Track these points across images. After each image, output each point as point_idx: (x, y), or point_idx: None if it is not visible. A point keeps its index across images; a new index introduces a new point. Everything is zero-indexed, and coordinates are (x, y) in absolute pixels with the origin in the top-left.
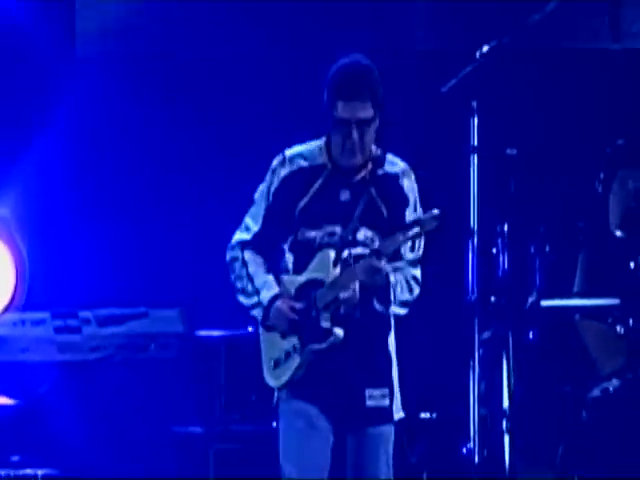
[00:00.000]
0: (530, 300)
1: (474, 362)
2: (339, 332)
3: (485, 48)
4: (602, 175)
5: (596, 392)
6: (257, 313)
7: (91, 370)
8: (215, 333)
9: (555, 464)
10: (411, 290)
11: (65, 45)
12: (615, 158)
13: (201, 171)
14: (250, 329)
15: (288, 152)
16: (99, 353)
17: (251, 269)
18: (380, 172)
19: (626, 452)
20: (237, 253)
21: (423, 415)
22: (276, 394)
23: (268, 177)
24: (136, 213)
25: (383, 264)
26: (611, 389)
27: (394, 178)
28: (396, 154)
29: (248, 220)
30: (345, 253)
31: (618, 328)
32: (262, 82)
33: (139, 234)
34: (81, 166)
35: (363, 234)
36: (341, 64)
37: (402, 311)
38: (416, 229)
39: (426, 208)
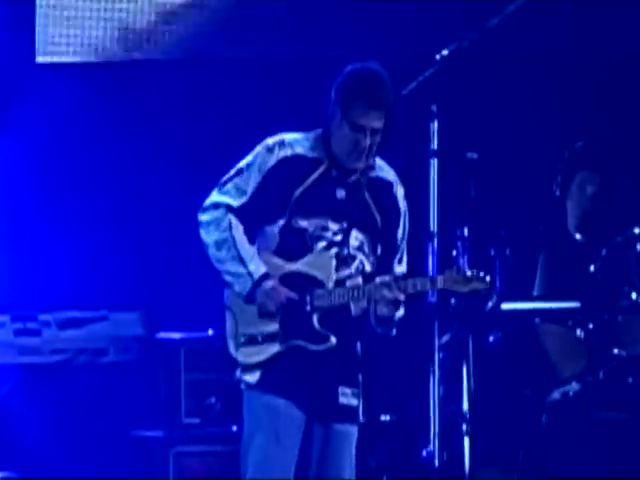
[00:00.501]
0: (490, 303)
1: (434, 365)
2: (333, 340)
3: (445, 51)
4: (560, 178)
5: (556, 395)
6: (240, 284)
7: (51, 373)
8: (175, 335)
9: (515, 467)
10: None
11: (25, 51)
12: (573, 161)
13: (160, 174)
14: (210, 332)
15: (287, 136)
16: (59, 356)
17: (237, 235)
18: (372, 174)
19: (586, 455)
20: (221, 214)
21: (383, 418)
22: (239, 372)
23: (262, 153)
24: (96, 216)
25: (401, 297)
26: (571, 392)
27: (389, 186)
28: None
29: (232, 186)
30: (337, 251)
31: (578, 331)
32: (228, 84)
33: (99, 237)
34: (40, 170)
35: (355, 236)
36: (364, 69)
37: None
38: (439, 285)
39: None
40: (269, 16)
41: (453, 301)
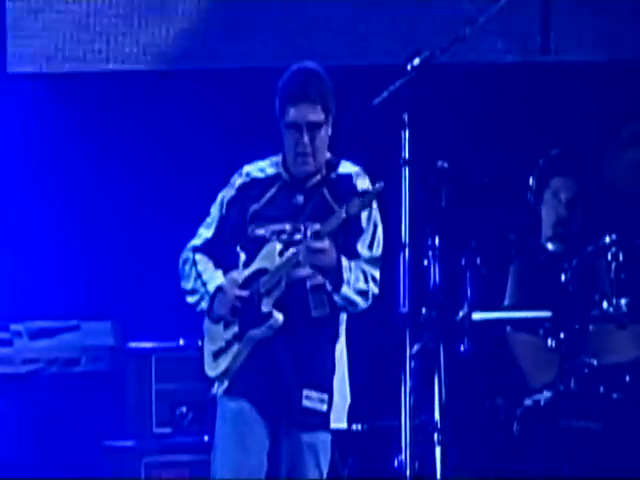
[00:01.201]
0: (461, 313)
1: (405, 374)
2: (278, 316)
3: (416, 61)
4: (534, 185)
5: (527, 404)
6: (204, 305)
7: (23, 383)
8: (146, 345)
9: (486, 476)
10: (367, 281)
11: None
12: (548, 168)
13: (130, 184)
14: (182, 341)
15: (246, 167)
16: (31, 366)
17: (200, 267)
18: (333, 175)
19: (557, 464)
20: (188, 255)
21: (354, 427)
22: (216, 387)
23: (225, 189)
24: (66, 226)
25: (326, 244)
26: (542, 401)
27: (347, 178)
28: None
29: (201, 229)
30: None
31: (549, 341)
32: (195, 100)
33: (70, 246)
34: (9, 180)
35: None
36: (290, 70)
37: (358, 299)
38: (356, 203)
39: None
40: (263, 27)
41: (424, 311)
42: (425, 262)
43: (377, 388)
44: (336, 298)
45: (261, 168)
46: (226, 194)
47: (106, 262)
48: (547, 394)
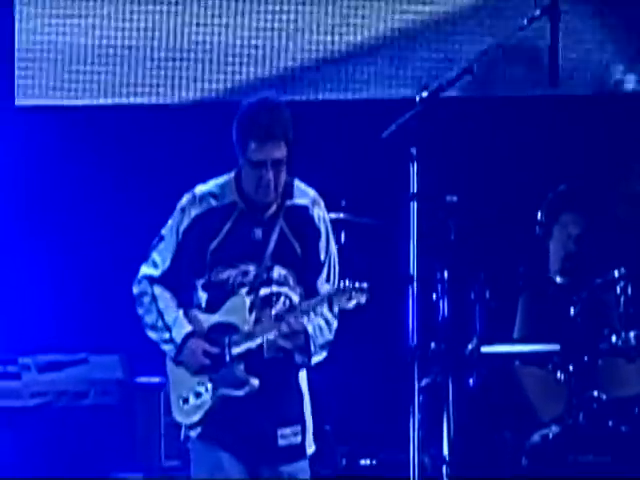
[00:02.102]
0: (470, 346)
1: (414, 408)
2: (254, 382)
3: (424, 94)
4: (543, 219)
5: (536, 438)
6: (168, 349)
7: (31, 416)
8: (154, 380)
9: None
10: (330, 329)
11: (3, 94)
12: (557, 203)
13: (136, 218)
14: None
15: (198, 190)
16: (39, 399)
17: (161, 305)
18: (289, 203)
19: None
20: (146, 288)
21: (363, 462)
22: (184, 430)
23: (177, 215)
24: (76, 260)
25: (297, 325)
26: (551, 435)
27: (304, 210)
28: (336, 200)
29: (156, 256)
30: (261, 292)
31: (558, 374)
32: (201, 130)
33: (79, 281)
34: (17, 213)
35: (277, 272)
36: (251, 103)
37: (323, 355)
38: (325, 301)
39: (372, 257)
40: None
41: (433, 344)
42: (434, 296)
43: (386, 422)
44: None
45: (215, 193)
46: (181, 222)
47: (114, 296)
48: (555, 428)
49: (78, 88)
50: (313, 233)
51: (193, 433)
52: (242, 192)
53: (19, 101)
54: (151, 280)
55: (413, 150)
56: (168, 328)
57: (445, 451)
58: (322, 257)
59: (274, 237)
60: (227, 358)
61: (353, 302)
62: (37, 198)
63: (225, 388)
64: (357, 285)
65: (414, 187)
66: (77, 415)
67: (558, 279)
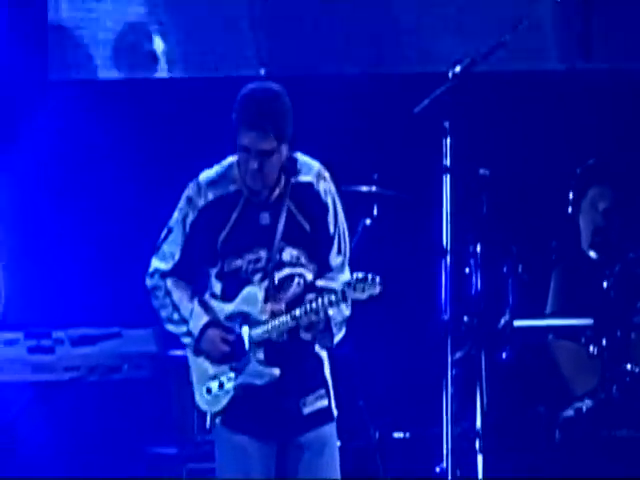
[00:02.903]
0: (503, 320)
1: (447, 382)
2: (275, 372)
3: (457, 68)
4: (572, 195)
5: (569, 412)
6: (187, 342)
7: (64, 390)
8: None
9: None
10: (346, 301)
11: (37, 69)
12: (585, 177)
13: (170, 192)
14: None
15: (202, 178)
16: (72, 373)
17: (175, 298)
18: (293, 181)
19: (599, 472)
20: (158, 282)
21: (396, 435)
22: (209, 418)
23: (183, 206)
24: (108, 233)
25: (321, 316)
26: (584, 409)
27: (309, 186)
28: (369, 174)
29: (166, 249)
30: (276, 277)
31: (591, 348)
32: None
33: (112, 254)
34: (52, 188)
35: (289, 254)
36: (247, 90)
37: (342, 333)
38: (339, 296)
39: (405, 231)
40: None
41: (466, 318)
42: (467, 269)
43: (419, 396)
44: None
45: (218, 182)
46: (187, 214)
47: (147, 269)
48: (589, 402)
49: (111, 62)
50: (320, 208)
51: (217, 420)
52: (245, 180)
53: (52, 75)
54: (163, 274)
55: (446, 124)
56: (185, 321)
57: (478, 425)
58: (331, 231)
59: (282, 219)
60: (246, 347)
61: (366, 294)
62: (70, 172)
63: (246, 377)
64: (369, 277)
65: (447, 161)
66: (111, 389)
67: (591, 253)
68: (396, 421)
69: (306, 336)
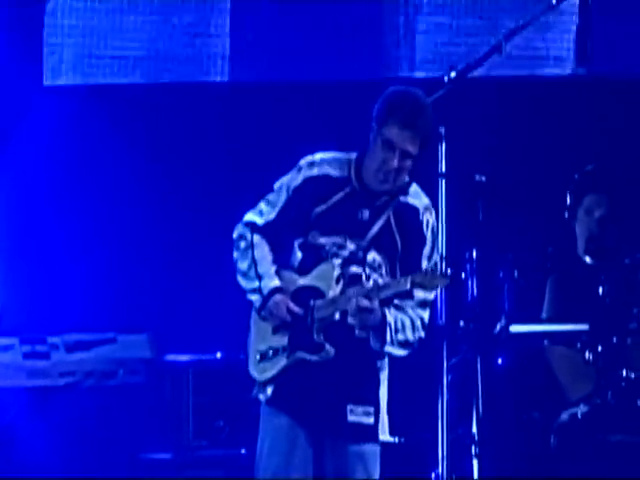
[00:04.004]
0: (499, 325)
1: (442, 387)
2: (330, 350)
3: (453, 73)
4: (568, 201)
5: (564, 417)
6: (255, 299)
7: (60, 396)
8: (183, 358)
9: None
10: (414, 331)
11: (32, 74)
12: (581, 184)
13: (168, 195)
14: (218, 355)
15: (318, 156)
16: (68, 379)
17: (257, 254)
18: (402, 199)
19: (594, 477)
20: (246, 232)
21: (391, 440)
22: (256, 389)
23: (293, 173)
24: (103, 239)
25: (374, 305)
26: (579, 415)
27: (415, 211)
28: None
29: (263, 206)
30: (353, 269)
31: (587, 354)
32: (229, 111)
33: (107, 259)
34: (46, 194)
35: (372, 256)
36: (405, 91)
37: (400, 352)
38: (407, 282)
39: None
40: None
41: (462, 323)
42: (462, 275)
43: (414, 400)
44: (376, 348)
45: (333, 164)
46: (293, 179)
47: (143, 274)
48: (584, 407)
49: (106, 67)
50: (419, 237)
51: (263, 397)
52: (359, 174)
53: (47, 81)
54: (253, 227)
55: (442, 129)
56: (259, 277)
57: (473, 430)
58: (423, 264)
59: (379, 223)
60: (308, 320)
61: (433, 286)
62: (65, 178)
63: (301, 351)
64: (441, 271)
65: (443, 166)
66: (106, 394)
67: (587, 259)
68: (391, 426)
69: (361, 333)
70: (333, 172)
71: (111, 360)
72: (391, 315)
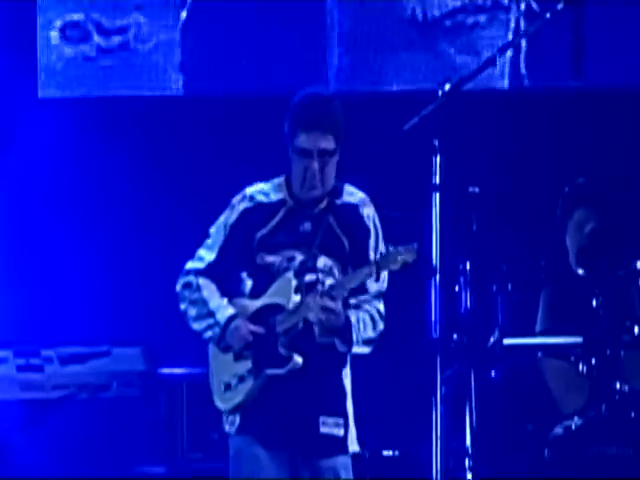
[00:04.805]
0: (492, 338)
1: (436, 400)
2: (298, 359)
3: (447, 86)
4: (559, 215)
5: (558, 430)
6: (212, 334)
7: (53, 409)
8: (177, 371)
9: None
10: (375, 327)
11: (27, 86)
12: (571, 198)
13: (162, 208)
14: None
15: (248, 190)
16: (61, 392)
17: (205, 293)
18: (338, 202)
19: None
20: (190, 279)
21: (386, 453)
22: (225, 419)
23: (226, 212)
24: (98, 252)
25: (338, 305)
26: (573, 427)
27: (353, 207)
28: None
29: (202, 251)
30: (307, 277)
31: (580, 366)
32: (221, 122)
33: (101, 272)
34: (41, 206)
35: (323, 262)
36: (303, 94)
37: (366, 349)
38: (372, 268)
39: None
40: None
41: (455, 336)
42: (456, 287)
43: (408, 414)
44: (343, 350)
45: (265, 192)
46: (229, 217)
47: (137, 288)
48: (578, 420)
49: (101, 80)
50: (362, 231)
51: (232, 428)
52: (291, 190)
53: (42, 94)
54: (196, 273)
55: (436, 142)
56: (212, 314)
57: (467, 443)
58: (371, 256)
59: (322, 230)
60: (271, 337)
61: (399, 262)
62: (60, 190)
63: (269, 368)
64: (403, 247)
65: (436, 179)
66: (100, 407)
67: (580, 271)
68: (385, 439)
69: (324, 338)
70: (266, 199)
71: (105, 373)
72: (353, 315)
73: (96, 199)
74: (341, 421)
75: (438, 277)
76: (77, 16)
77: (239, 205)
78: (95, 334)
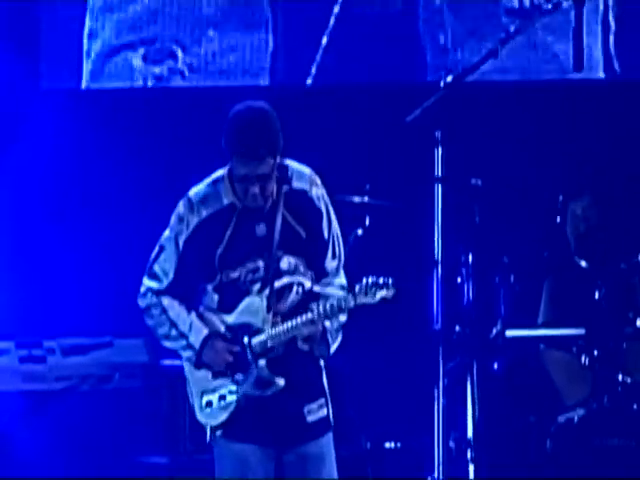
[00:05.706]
0: (495, 330)
1: (439, 392)
2: (280, 382)
3: (449, 78)
4: (559, 205)
5: (561, 422)
6: (187, 355)
7: (56, 400)
8: (179, 362)
9: None
10: (342, 308)
11: (29, 78)
12: (571, 188)
13: (162, 202)
14: None
15: (193, 195)
16: (64, 383)
17: (172, 314)
18: (286, 189)
19: None
20: (152, 300)
21: (388, 445)
22: (209, 432)
23: (175, 224)
24: (99, 243)
25: (320, 327)
26: (576, 419)
27: (303, 193)
28: (361, 185)
29: (157, 269)
30: (276, 284)
31: (583, 358)
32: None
33: (104, 264)
34: (43, 198)
35: (287, 262)
36: (237, 116)
37: (338, 341)
38: (351, 302)
39: (397, 241)
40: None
41: (457, 328)
42: (458, 279)
43: (410, 406)
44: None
45: (211, 197)
46: (180, 232)
47: (139, 279)
48: (580, 411)
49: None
50: (315, 215)
51: (218, 432)
52: (236, 192)
53: (45, 85)
54: (158, 293)
55: (438, 134)
56: (184, 335)
57: (470, 435)
58: (326, 235)
59: (277, 228)
60: (249, 357)
61: (378, 297)
62: (61, 182)
63: (250, 388)
64: (381, 280)
65: (439, 170)
66: (102, 399)
67: (582, 263)
68: (387, 431)
69: (304, 346)
70: (213, 209)
71: (107, 364)
72: (339, 313)
73: (99, 191)
74: (322, 400)
75: (440, 269)
76: None
77: (189, 219)
78: (97, 325)
